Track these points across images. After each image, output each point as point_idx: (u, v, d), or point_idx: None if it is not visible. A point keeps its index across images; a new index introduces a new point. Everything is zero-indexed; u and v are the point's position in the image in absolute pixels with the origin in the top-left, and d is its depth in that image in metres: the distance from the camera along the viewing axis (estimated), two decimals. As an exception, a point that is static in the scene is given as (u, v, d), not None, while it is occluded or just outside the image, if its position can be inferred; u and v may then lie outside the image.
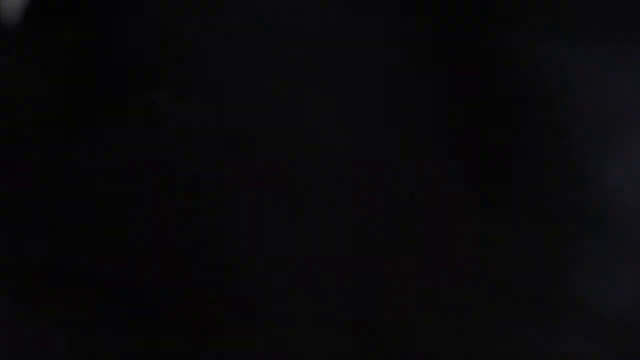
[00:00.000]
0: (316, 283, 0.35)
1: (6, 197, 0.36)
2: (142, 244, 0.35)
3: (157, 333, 0.35)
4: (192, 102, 0.34)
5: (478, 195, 0.35)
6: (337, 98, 0.35)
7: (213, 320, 0.36)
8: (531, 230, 0.35)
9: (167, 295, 0.35)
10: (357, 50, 0.35)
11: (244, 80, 0.34)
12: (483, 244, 0.35)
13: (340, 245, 0.35)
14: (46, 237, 0.35)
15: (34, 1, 0.35)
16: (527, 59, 0.35)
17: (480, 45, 0.35)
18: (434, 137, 0.35)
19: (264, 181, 0.35)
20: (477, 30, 0.36)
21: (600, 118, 0.35)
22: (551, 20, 0.35)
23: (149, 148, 0.35)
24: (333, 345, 0.35)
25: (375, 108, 0.35)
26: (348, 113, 0.35)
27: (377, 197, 0.35)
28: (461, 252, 0.35)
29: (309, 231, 0.35)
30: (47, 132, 0.36)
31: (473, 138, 0.35)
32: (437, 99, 0.35)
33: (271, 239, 0.35)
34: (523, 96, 0.35)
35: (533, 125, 0.35)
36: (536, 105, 0.35)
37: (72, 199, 0.36)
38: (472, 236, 0.35)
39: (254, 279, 0.35)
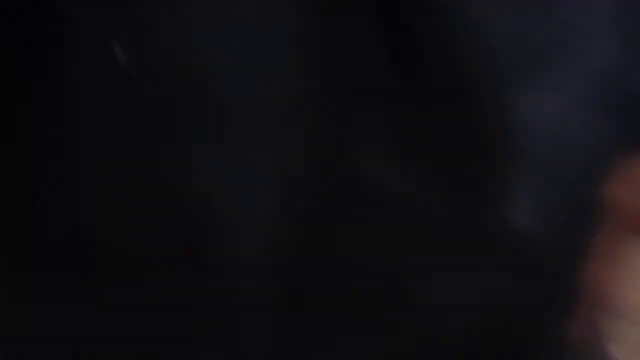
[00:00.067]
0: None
1: None
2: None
3: None
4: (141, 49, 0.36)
5: (399, 137, 0.37)
6: (259, 50, 0.36)
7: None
8: (454, 166, 0.38)
9: None
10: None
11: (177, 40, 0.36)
12: (406, 181, 0.38)
13: (265, 188, 0.38)
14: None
15: None
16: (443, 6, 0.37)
17: None
18: (355, 87, 0.37)
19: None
20: None
21: (517, 57, 0.37)
22: None
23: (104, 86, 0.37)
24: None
25: (295, 57, 0.37)
26: (269, 63, 0.36)
27: (302, 139, 0.37)
28: (384, 190, 0.38)
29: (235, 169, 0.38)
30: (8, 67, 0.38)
31: (392, 83, 0.37)
32: (358, 51, 0.36)
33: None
34: (441, 40, 0.37)
35: (451, 67, 0.36)
36: (454, 48, 0.36)
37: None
38: (395, 173, 0.37)
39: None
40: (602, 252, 0.36)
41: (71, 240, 0.40)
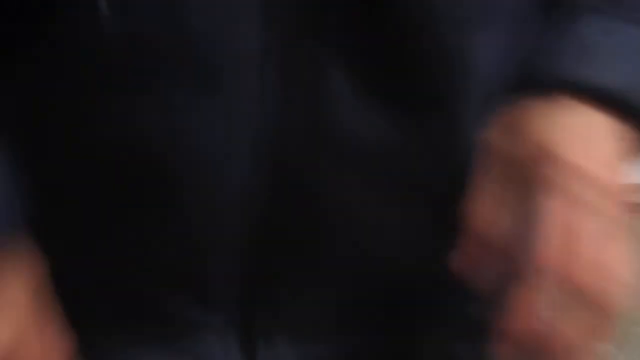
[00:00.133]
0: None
1: None
2: None
3: None
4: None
5: (362, 79, 0.40)
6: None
7: None
8: (408, 102, 0.42)
9: None
10: None
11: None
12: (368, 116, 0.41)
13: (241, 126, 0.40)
14: None
15: None
16: None
17: None
18: (321, 33, 0.40)
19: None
20: None
21: (461, 6, 0.41)
22: None
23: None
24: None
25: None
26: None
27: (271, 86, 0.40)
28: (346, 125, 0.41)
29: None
30: None
31: (354, 29, 0.40)
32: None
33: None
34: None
35: (405, 13, 0.40)
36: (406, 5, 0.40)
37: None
38: (359, 115, 0.41)
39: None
40: (483, 192, 0.40)
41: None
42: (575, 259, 0.37)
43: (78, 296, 0.43)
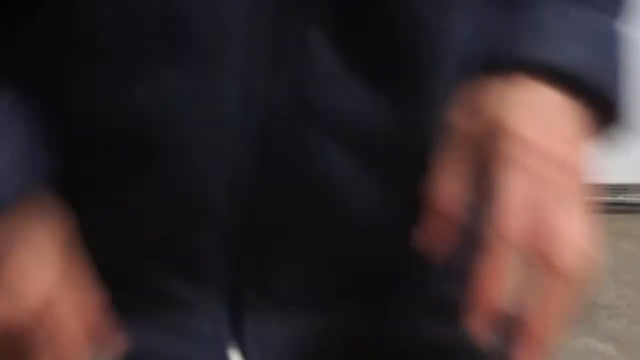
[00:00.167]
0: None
1: None
2: None
3: None
4: None
5: (344, 57, 0.42)
6: None
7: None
8: (390, 80, 0.43)
9: None
10: None
11: None
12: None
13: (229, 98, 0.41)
14: None
15: None
16: None
17: None
18: (304, 10, 0.40)
19: None
20: None
21: None
22: None
23: None
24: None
25: None
26: None
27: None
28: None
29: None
30: None
31: (334, 9, 0.41)
32: None
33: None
34: None
35: (388, 2, 0.41)
36: None
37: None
38: (341, 92, 0.42)
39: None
40: (444, 168, 0.42)
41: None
42: (536, 229, 0.38)
43: None
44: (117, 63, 0.39)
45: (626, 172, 2.63)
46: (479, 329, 0.37)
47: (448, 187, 0.41)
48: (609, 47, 0.45)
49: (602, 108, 0.43)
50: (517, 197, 0.38)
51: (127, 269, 0.44)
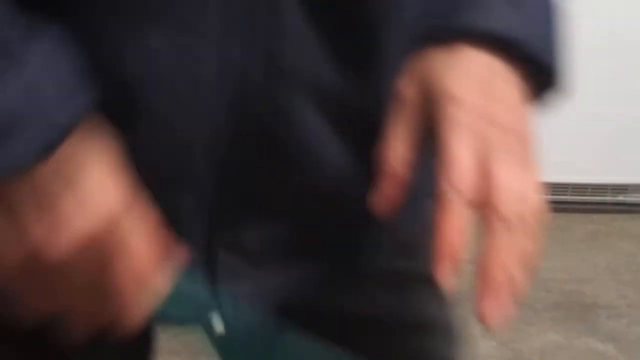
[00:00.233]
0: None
1: None
2: None
3: None
4: None
5: (312, 21, 0.44)
6: None
7: None
8: (352, 48, 0.46)
9: None
10: None
11: None
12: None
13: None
14: None
15: None
16: None
17: None
18: None
19: None
20: None
21: None
22: None
23: None
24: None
25: None
26: None
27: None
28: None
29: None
30: None
31: None
32: None
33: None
34: None
35: None
36: None
37: None
38: (308, 53, 0.45)
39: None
40: (396, 134, 0.45)
41: None
42: (484, 182, 0.40)
43: None
44: (110, 25, 0.40)
45: (626, 172, 2.63)
46: (444, 275, 0.39)
47: (396, 150, 0.44)
48: (545, 15, 0.47)
49: (539, 73, 0.45)
50: (465, 155, 0.41)
51: None
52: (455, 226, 0.39)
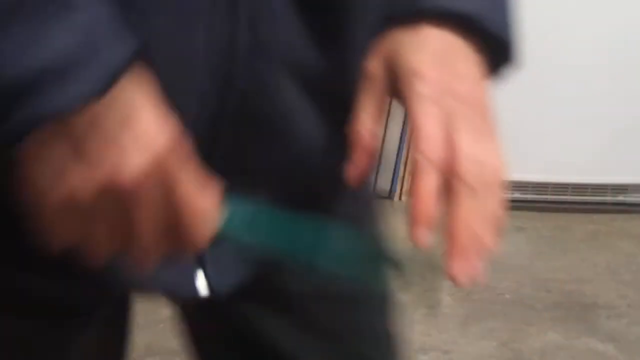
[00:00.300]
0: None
1: None
2: None
3: None
4: None
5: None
6: None
7: None
8: (328, 27, 0.50)
9: None
10: None
11: None
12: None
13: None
14: None
15: None
16: None
17: None
18: None
19: None
20: None
21: None
22: None
23: None
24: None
25: None
26: None
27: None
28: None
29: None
30: None
31: None
32: None
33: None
34: None
35: None
36: None
37: None
38: (288, 29, 0.48)
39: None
40: (365, 110, 0.48)
41: None
42: (450, 152, 0.44)
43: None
44: (120, 7, 0.41)
45: (626, 172, 2.63)
46: (420, 237, 0.42)
47: (366, 123, 0.48)
48: None
49: (496, 48, 0.49)
50: (432, 125, 0.44)
51: None
52: (429, 191, 0.43)
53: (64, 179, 0.39)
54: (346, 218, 0.58)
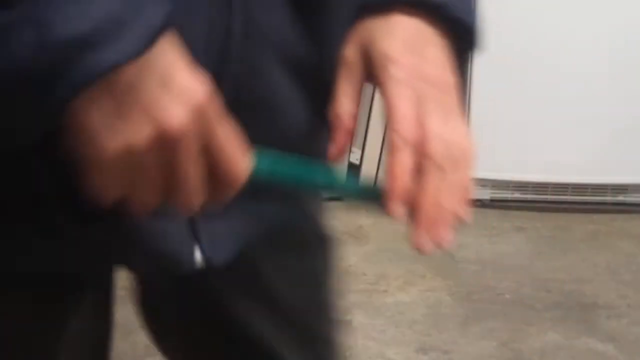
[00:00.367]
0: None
1: None
2: None
3: None
4: None
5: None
6: None
7: None
8: (310, 12, 0.54)
9: None
10: None
11: None
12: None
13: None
14: None
15: None
16: None
17: None
18: None
19: None
20: None
21: None
22: None
23: None
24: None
25: None
26: None
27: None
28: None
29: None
30: None
31: None
32: None
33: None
34: None
35: None
36: None
37: None
38: (276, 15, 0.53)
39: None
40: (343, 93, 0.52)
41: None
42: (421, 132, 0.47)
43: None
44: None
45: (626, 172, 2.63)
46: (395, 209, 0.46)
47: (344, 105, 0.52)
48: None
49: (461, 33, 0.53)
50: (405, 106, 0.48)
51: None
52: (404, 168, 0.47)
53: (119, 133, 0.41)
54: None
